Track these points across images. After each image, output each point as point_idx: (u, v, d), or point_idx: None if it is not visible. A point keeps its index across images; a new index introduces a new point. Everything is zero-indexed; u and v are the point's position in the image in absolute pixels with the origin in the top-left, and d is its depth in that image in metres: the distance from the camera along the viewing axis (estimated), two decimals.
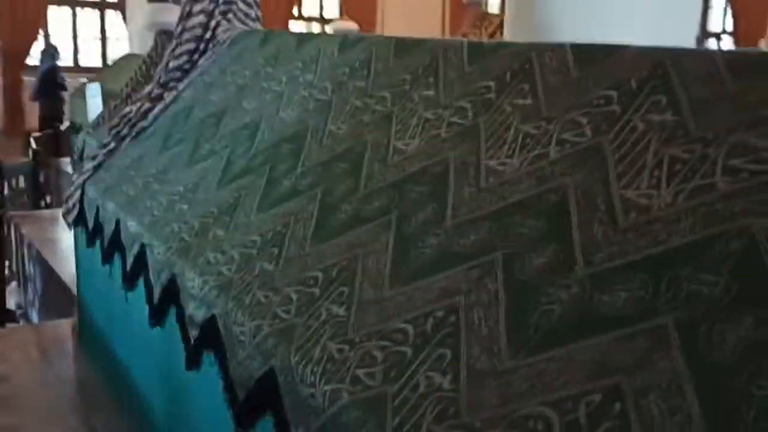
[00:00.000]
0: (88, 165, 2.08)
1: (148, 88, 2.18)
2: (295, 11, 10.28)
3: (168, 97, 2.06)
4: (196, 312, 1.19)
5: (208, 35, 2.14)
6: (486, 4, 8.53)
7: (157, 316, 1.40)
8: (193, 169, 1.57)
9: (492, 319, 0.75)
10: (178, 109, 1.98)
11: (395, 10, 10.70)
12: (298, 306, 0.97)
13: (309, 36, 1.70)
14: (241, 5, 2.20)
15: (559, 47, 1.04)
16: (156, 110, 2.05)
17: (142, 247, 1.48)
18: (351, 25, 8.96)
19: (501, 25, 6.98)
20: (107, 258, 1.77)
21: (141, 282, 1.51)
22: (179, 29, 2.18)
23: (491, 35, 7.38)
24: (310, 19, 10.47)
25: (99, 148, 2.13)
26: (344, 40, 1.55)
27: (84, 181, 2.03)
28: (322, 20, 10.41)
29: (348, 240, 1.02)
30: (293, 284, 1.02)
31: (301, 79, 1.57)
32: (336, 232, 1.06)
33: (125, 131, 2.09)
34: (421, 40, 1.35)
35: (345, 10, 10.25)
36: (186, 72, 2.13)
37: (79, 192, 2.05)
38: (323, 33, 1.87)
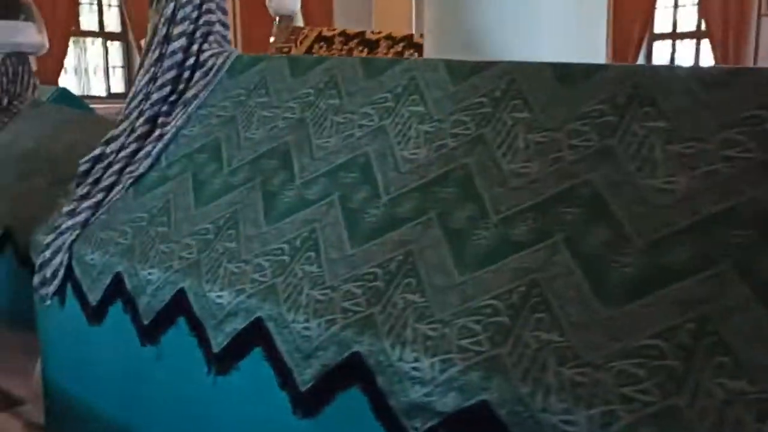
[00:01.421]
0: (67, 222, 1.70)
1: (124, 125, 1.83)
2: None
3: (166, 133, 1.75)
4: (324, 354, 1.14)
5: (191, 61, 1.85)
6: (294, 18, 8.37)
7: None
8: (290, 222, 1.34)
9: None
10: (192, 149, 1.68)
11: None
12: (489, 337, 0.99)
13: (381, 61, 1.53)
14: (219, 27, 1.94)
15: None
16: (153, 150, 1.73)
17: (258, 320, 1.23)
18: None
19: (318, 40, 6.93)
20: (152, 338, 1.44)
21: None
22: (155, 55, 1.86)
23: (308, 49, 7.31)
24: (88, 34, 9.55)
25: (74, 200, 1.75)
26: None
27: (71, 243, 1.66)
28: (104, 35, 9.60)
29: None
30: (462, 315, 1.04)
31: (394, 111, 1.40)
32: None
33: (112, 178, 1.74)
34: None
35: (128, 24, 9.53)
36: (172, 104, 1.82)
37: (61, 256, 1.67)
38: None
